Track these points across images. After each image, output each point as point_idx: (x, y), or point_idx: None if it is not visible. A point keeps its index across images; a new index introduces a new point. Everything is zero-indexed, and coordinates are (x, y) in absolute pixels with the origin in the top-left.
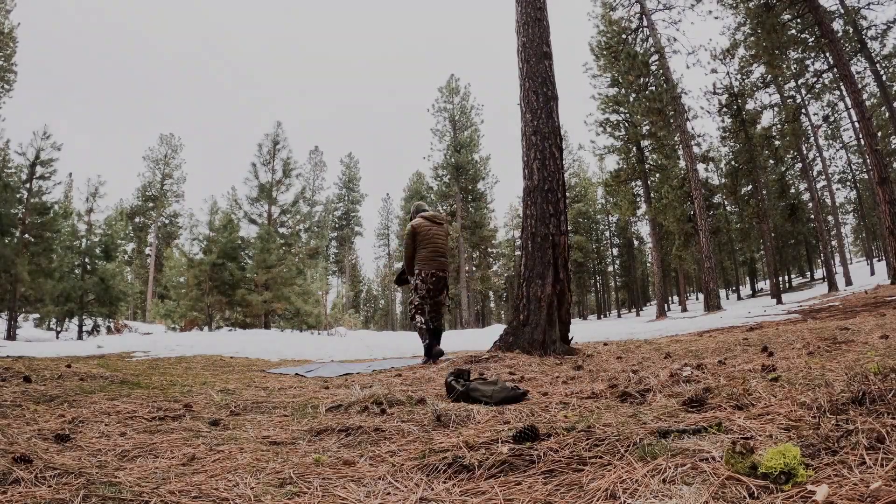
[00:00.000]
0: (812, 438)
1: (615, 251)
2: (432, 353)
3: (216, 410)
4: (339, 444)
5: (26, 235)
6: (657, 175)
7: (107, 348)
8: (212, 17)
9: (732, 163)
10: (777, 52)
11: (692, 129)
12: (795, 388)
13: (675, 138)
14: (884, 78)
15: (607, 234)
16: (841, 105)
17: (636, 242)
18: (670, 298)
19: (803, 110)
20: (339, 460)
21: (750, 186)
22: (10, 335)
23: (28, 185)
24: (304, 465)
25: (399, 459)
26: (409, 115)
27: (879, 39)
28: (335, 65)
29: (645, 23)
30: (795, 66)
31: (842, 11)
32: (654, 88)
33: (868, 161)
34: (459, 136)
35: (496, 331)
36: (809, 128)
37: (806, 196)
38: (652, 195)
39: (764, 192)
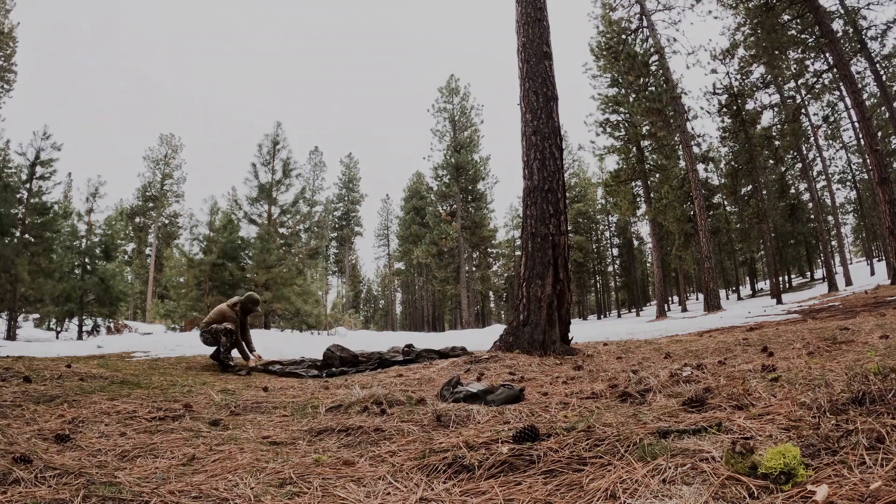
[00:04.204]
0: (812, 438)
1: (615, 251)
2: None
3: (216, 410)
4: (339, 444)
5: (26, 235)
6: (657, 175)
7: (107, 348)
8: (210, 17)
9: (732, 163)
10: (777, 52)
11: (692, 129)
12: (795, 388)
13: (675, 138)
14: (884, 78)
15: (607, 234)
16: (841, 105)
17: (636, 242)
18: (670, 298)
19: (803, 110)
20: (339, 460)
21: (750, 186)
22: (10, 335)
23: (28, 185)
24: (304, 465)
25: (399, 459)
26: (410, 115)
27: (879, 39)
28: (335, 64)
29: (645, 23)
30: (795, 66)
31: (842, 11)
32: (653, 89)
33: (868, 161)
34: (459, 136)
35: (496, 331)
36: (809, 128)
37: (806, 196)
38: (652, 195)
39: (764, 192)
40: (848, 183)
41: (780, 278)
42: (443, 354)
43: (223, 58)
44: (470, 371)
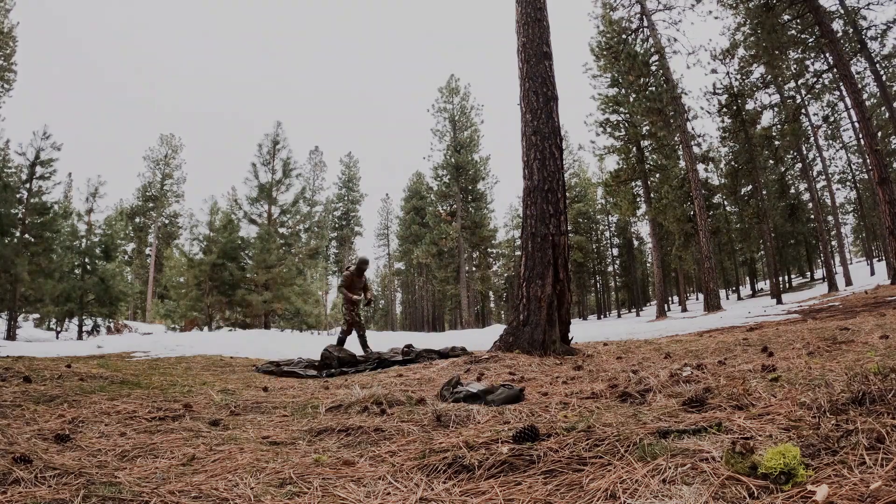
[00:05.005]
0: (812, 438)
1: (615, 251)
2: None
3: (216, 410)
4: (339, 444)
5: (26, 235)
6: (657, 175)
7: (107, 348)
8: (211, 18)
9: (732, 163)
10: (777, 52)
11: (692, 129)
12: (795, 388)
13: (675, 138)
14: (884, 78)
15: (607, 234)
16: (841, 105)
17: (636, 242)
18: (670, 298)
19: (803, 110)
20: (339, 460)
21: (750, 186)
22: (10, 335)
23: (28, 185)
24: (304, 465)
25: (399, 459)
26: (410, 114)
27: (879, 39)
28: (336, 64)
29: (645, 23)
30: (795, 66)
31: (842, 11)
32: (654, 89)
33: (868, 161)
34: (459, 136)
35: (496, 331)
36: (809, 128)
37: (806, 196)
38: (652, 195)
39: (764, 192)
40: (848, 183)
41: (780, 278)
42: (443, 354)
43: (222, 57)
44: (470, 371)
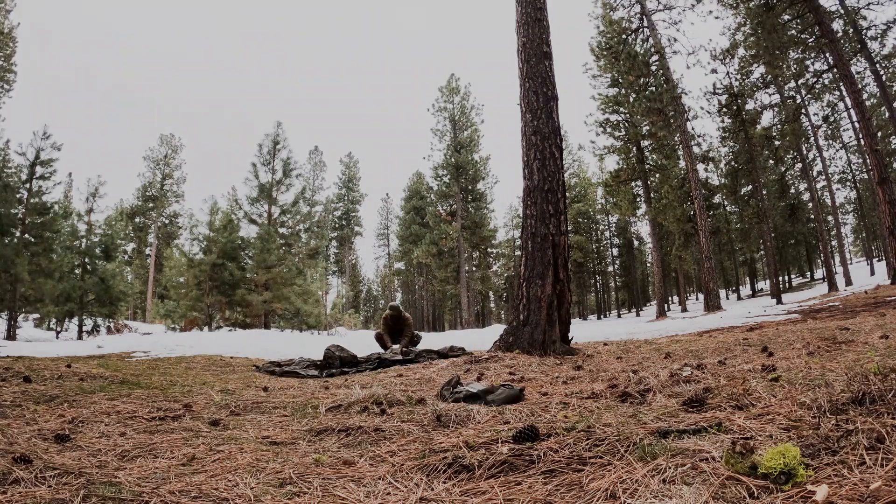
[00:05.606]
0: (812, 438)
1: (615, 251)
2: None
3: (216, 410)
4: (339, 444)
5: (26, 235)
6: (657, 175)
7: (107, 348)
8: (211, 17)
9: (732, 163)
10: (777, 52)
11: (692, 129)
12: (795, 388)
13: (676, 138)
14: (884, 78)
15: (607, 234)
16: (841, 105)
17: (636, 242)
18: (670, 298)
19: (803, 110)
20: (339, 460)
21: (750, 186)
22: (10, 335)
23: (28, 185)
24: (304, 465)
25: (399, 459)
26: (410, 114)
27: (879, 39)
28: (336, 64)
29: (645, 23)
30: (795, 66)
31: (842, 11)
32: (654, 89)
33: (868, 161)
34: (459, 135)
35: (496, 331)
36: (809, 128)
37: (806, 196)
38: (652, 195)
39: (764, 192)
40: (848, 183)
41: (780, 278)
42: (442, 354)
43: (223, 57)
44: (470, 371)
